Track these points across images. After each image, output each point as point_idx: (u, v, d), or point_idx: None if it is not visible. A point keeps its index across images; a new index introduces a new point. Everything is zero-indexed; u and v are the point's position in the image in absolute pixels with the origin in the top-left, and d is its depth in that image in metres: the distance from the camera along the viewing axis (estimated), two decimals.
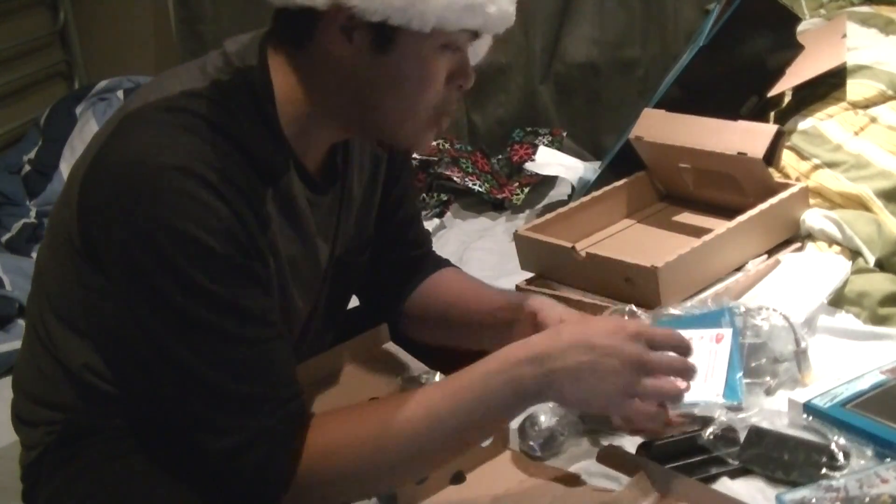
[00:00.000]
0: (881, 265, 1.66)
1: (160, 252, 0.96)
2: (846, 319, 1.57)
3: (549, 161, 2.42)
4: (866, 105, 1.92)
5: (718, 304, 1.39)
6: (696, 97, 2.02)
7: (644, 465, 1.15)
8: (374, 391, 1.31)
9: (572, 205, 1.91)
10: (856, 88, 1.94)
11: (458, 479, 1.20)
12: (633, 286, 1.55)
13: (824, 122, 1.92)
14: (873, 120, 1.89)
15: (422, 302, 1.38)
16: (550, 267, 1.74)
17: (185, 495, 1.04)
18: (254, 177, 1.04)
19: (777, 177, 1.82)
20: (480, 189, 2.47)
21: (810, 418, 1.26)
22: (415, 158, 2.53)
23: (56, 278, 1.10)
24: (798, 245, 1.74)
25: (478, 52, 1.12)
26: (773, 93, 2.05)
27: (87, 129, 2.72)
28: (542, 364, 1.00)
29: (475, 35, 1.07)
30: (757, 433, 1.22)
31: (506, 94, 2.82)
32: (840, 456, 1.15)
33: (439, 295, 1.37)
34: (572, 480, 1.19)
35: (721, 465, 1.19)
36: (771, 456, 1.19)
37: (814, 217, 1.74)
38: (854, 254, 1.68)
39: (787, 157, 1.87)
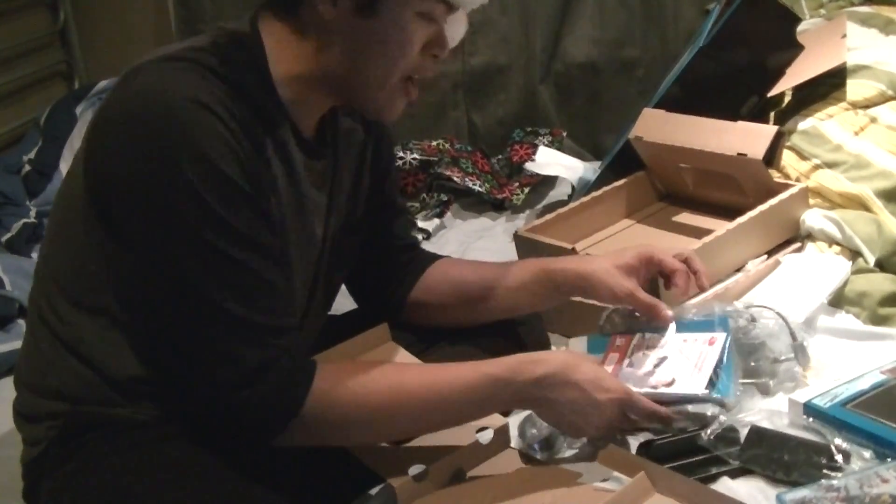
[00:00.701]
0: (881, 265, 1.66)
1: (175, 174, 1.01)
2: (846, 319, 1.57)
3: (549, 161, 2.42)
4: (866, 105, 1.92)
5: (710, 311, 1.36)
6: (696, 97, 2.02)
7: (644, 465, 1.16)
8: None
9: (572, 205, 1.91)
10: (856, 88, 1.94)
11: (458, 477, 1.20)
12: None
13: (824, 122, 1.92)
14: (873, 120, 1.89)
15: (431, 287, 1.41)
16: None
17: (186, 490, 1.05)
18: (255, 121, 1.09)
19: (777, 177, 1.82)
20: (480, 189, 2.47)
21: (810, 418, 1.26)
22: (415, 158, 2.53)
23: (65, 261, 1.13)
24: (798, 245, 1.74)
25: (454, 35, 1.20)
26: (773, 93, 2.05)
27: None
28: (542, 389, 1.16)
29: (450, 8, 1.15)
30: (757, 433, 1.22)
31: (506, 94, 2.81)
32: (840, 456, 1.16)
33: (452, 276, 1.42)
34: (572, 480, 1.19)
35: (721, 465, 1.19)
36: (771, 456, 1.19)
37: (814, 217, 1.74)
38: (854, 254, 1.68)
39: (787, 157, 1.87)
